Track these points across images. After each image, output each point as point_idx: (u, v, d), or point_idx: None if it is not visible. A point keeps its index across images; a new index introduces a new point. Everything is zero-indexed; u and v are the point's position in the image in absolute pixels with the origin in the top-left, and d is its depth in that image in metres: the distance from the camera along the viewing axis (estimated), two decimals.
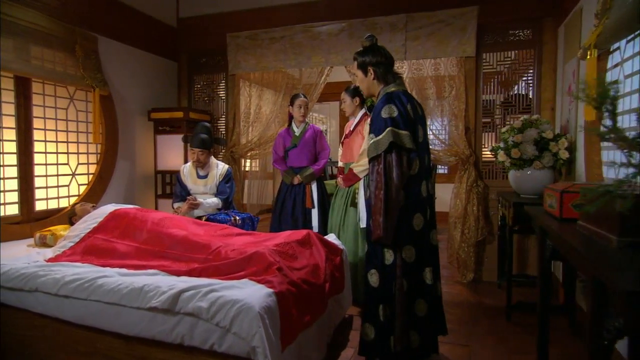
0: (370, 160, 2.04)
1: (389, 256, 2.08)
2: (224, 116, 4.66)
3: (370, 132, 2.08)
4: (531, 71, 3.66)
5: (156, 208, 4.28)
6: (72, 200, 3.49)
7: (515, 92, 3.76)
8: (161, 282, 1.95)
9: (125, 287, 1.95)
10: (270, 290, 1.85)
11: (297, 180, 3.57)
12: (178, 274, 2.11)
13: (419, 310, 2.12)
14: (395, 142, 1.96)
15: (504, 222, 3.48)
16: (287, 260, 2.17)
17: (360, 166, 3.08)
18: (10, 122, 3.01)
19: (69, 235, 2.65)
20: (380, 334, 2.10)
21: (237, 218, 3.05)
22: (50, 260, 2.40)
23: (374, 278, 2.13)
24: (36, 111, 3.18)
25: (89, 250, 2.48)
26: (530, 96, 3.68)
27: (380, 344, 2.11)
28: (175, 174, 4.29)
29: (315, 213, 3.59)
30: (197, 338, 1.79)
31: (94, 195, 3.61)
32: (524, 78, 3.70)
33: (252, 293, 1.81)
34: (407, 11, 3.84)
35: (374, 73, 2.16)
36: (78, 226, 2.71)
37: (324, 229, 3.49)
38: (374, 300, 2.12)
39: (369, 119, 3.12)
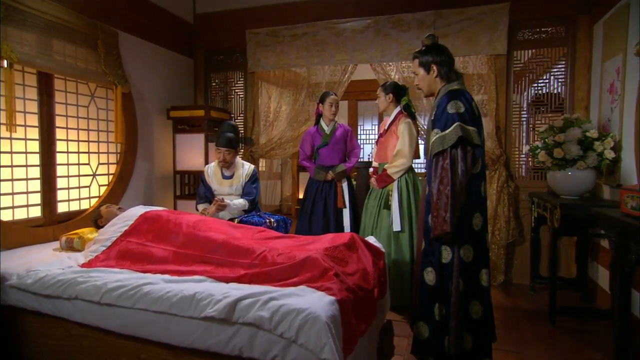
0: (435, 156, 1.97)
1: (446, 254, 2.02)
2: (242, 115, 4.55)
3: (434, 128, 2.01)
4: (563, 69, 3.59)
5: (175, 209, 4.15)
6: (93, 201, 3.36)
7: (546, 90, 3.68)
8: (213, 290, 1.84)
9: (174, 294, 1.84)
10: (333, 297, 1.75)
11: (330, 176, 3.47)
12: (226, 280, 2.00)
13: (473, 313, 2.05)
14: (463, 137, 1.89)
15: (538, 224, 3.42)
16: (339, 265, 2.07)
17: (395, 167, 3.01)
18: (33, 120, 2.87)
19: (99, 238, 2.53)
20: (434, 333, 2.05)
21: (272, 220, 2.95)
22: (84, 265, 2.27)
23: (430, 276, 2.07)
24: (58, 109, 3.04)
25: (124, 254, 2.36)
26: (563, 95, 3.60)
27: (435, 343, 2.05)
28: (194, 175, 4.18)
29: (347, 213, 3.50)
30: (258, 349, 1.68)
31: (113, 196, 3.47)
32: (556, 76, 3.63)
33: (314, 301, 1.70)
34: (436, 8, 3.75)
35: (438, 71, 2.13)
36: (107, 229, 2.59)
37: (356, 229, 3.41)
38: (429, 299, 2.06)
39: (404, 118, 3.07)
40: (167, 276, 2.06)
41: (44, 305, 2.07)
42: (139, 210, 2.70)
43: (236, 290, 1.83)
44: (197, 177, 4.17)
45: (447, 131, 1.96)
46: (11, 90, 2.53)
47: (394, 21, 3.88)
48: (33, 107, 2.87)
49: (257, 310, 1.68)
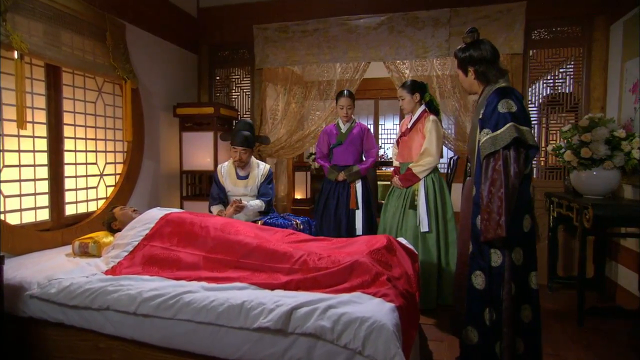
0: (485, 157, 1.89)
1: (496, 258, 1.95)
2: (248, 113, 4.41)
3: (483, 128, 1.93)
4: (578, 69, 3.59)
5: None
6: (101, 203, 3.17)
7: (561, 90, 3.68)
8: (262, 298, 1.73)
9: (219, 304, 1.72)
10: (392, 304, 1.68)
11: (341, 177, 3.38)
12: (271, 287, 1.89)
13: (524, 317, 1.99)
14: (518, 138, 1.82)
15: (556, 224, 3.42)
16: (386, 269, 1.99)
17: (421, 166, 2.94)
18: (40, 116, 2.67)
19: (119, 243, 2.37)
20: (484, 338, 1.97)
21: (298, 222, 2.84)
22: (108, 272, 2.12)
23: (478, 280, 1.99)
24: (65, 104, 2.85)
25: (149, 260, 2.21)
26: (578, 95, 3.61)
27: (485, 349, 1.97)
28: (202, 174, 4.02)
29: (359, 214, 3.41)
30: None
31: (121, 197, 3.29)
32: (571, 76, 3.63)
33: (375, 309, 1.62)
34: (452, 5, 3.70)
35: (475, 73, 2.06)
36: (126, 233, 2.43)
37: (369, 231, 3.32)
38: (478, 303, 1.99)
39: (430, 116, 3.01)
40: (204, 283, 1.93)
41: (70, 317, 1.91)
42: (158, 213, 2.55)
43: (287, 298, 1.72)
44: (204, 177, 4.02)
45: (498, 131, 1.88)
46: (22, 84, 2.34)
47: (409, 18, 3.82)
48: (40, 102, 2.68)
49: (316, 319, 1.58)
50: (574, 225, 3.02)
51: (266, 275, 2.02)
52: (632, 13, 3.01)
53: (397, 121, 8.52)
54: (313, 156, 7.31)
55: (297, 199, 6.84)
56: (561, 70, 3.65)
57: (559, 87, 3.68)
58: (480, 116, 2.01)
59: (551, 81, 3.71)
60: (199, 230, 2.33)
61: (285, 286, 1.88)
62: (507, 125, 1.86)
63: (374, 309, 1.61)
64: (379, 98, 7.55)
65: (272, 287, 1.88)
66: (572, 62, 3.62)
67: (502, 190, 1.85)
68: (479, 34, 2.12)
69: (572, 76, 3.63)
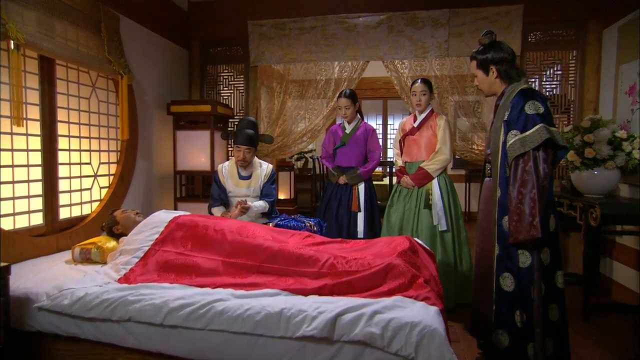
0: (514, 159, 1.90)
1: (524, 259, 1.96)
2: (242, 111, 4.29)
3: (510, 129, 1.93)
4: (570, 71, 3.70)
5: None
6: (95, 205, 2.98)
7: (555, 92, 3.78)
8: (301, 305, 1.65)
9: (256, 312, 1.63)
10: (436, 308, 1.64)
11: (342, 180, 3.33)
12: (304, 292, 1.81)
13: (552, 316, 2.01)
14: (549, 139, 1.83)
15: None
16: (418, 271, 1.95)
17: (436, 164, 2.94)
18: (33, 112, 2.47)
19: (127, 249, 2.22)
20: (515, 341, 1.97)
21: (312, 223, 2.76)
22: (121, 281, 1.97)
23: (507, 282, 2.00)
24: (59, 100, 2.66)
25: (164, 266, 2.08)
26: (571, 97, 3.71)
27: (517, 352, 1.97)
28: (199, 175, 3.87)
29: (361, 217, 3.36)
30: None
31: (115, 199, 3.11)
32: (565, 78, 3.73)
33: (422, 313, 1.58)
34: (451, 6, 3.73)
35: (497, 72, 2.06)
36: (133, 238, 2.28)
37: (371, 233, 3.29)
38: (507, 306, 1.99)
39: (442, 115, 3.01)
40: (232, 290, 1.83)
41: (86, 330, 1.76)
42: (166, 216, 2.41)
43: (327, 304, 1.65)
44: (199, 178, 3.87)
45: (527, 133, 1.89)
46: (19, 77, 2.15)
47: (408, 18, 3.81)
48: (33, 97, 2.48)
49: (364, 326, 1.52)
50: (570, 224, 3.12)
51: (293, 280, 1.94)
52: (629, 18, 3.11)
53: (379, 121, 8.56)
54: (296, 155, 7.22)
55: (280, 199, 6.74)
56: (556, 72, 3.75)
57: (552, 89, 3.78)
58: (506, 118, 2.01)
59: (545, 83, 3.80)
60: (214, 234, 2.22)
61: (319, 291, 1.81)
62: (537, 126, 1.87)
63: (420, 313, 1.57)
64: (361, 98, 7.56)
65: (306, 292, 1.81)
66: (564, 65, 3.72)
67: (534, 191, 1.85)
68: (496, 35, 2.14)
69: (565, 78, 3.73)
